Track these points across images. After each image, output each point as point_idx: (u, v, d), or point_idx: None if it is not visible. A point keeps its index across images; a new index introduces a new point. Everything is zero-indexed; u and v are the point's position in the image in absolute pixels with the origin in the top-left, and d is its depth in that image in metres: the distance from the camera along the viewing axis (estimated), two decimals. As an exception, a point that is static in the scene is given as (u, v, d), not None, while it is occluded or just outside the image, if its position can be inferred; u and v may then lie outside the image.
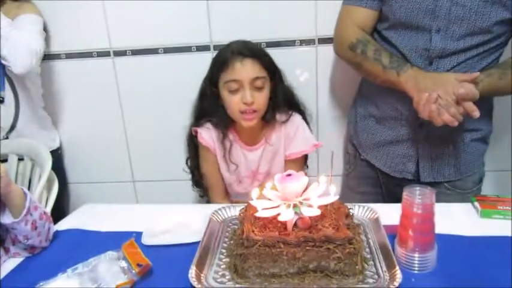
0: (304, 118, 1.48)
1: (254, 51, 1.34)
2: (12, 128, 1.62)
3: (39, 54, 1.55)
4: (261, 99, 1.34)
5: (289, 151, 1.43)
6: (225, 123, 1.40)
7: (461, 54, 1.21)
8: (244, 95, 1.31)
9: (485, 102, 1.14)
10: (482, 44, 1.20)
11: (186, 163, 1.54)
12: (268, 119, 1.40)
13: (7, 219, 0.97)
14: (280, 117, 1.41)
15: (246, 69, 1.31)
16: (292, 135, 1.43)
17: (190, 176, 1.54)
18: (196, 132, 1.43)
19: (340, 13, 1.35)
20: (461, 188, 1.36)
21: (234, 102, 1.33)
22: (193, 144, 1.49)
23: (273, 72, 1.38)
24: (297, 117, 1.44)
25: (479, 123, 1.28)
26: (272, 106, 1.39)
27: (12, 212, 0.98)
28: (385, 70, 1.21)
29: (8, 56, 1.48)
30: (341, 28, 1.34)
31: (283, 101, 1.42)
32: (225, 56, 1.33)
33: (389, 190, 1.42)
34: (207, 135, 1.42)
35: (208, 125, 1.42)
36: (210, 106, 1.41)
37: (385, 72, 1.22)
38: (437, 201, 1.31)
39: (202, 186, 1.52)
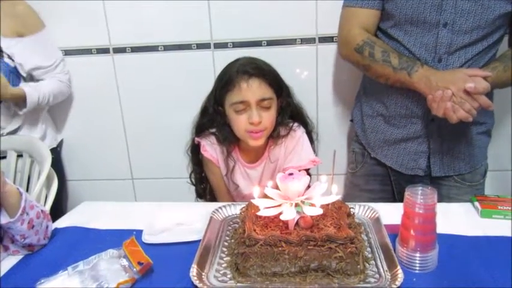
0: (310, 135, 1.45)
1: (260, 70, 1.30)
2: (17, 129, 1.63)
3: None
4: (268, 118, 1.30)
5: (287, 165, 1.38)
6: (229, 141, 1.37)
7: (469, 49, 1.22)
8: (251, 115, 1.27)
9: (487, 95, 1.15)
10: (486, 37, 1.22)
11: (190, 177, 1.51)
12: (273, 137, 1.37)
13: (2, 219, 0.96)
14: (281, 131, 1.38)
15: (252, 90, 1.27)
16: (291, 149, 1.39)
17: (191, 182, 1.52)
18: (199, 143, 1.41)
19: (342, 16, 1.35)
20: (470, 180, 1.38)
21: (240, 122, 1.30)
22: (196, 157, 1.46)
23: (280, 90, 1.35)
24: (298, 132, 1.39)
25: (485, 116, 1.31)
26: (279, 123, 1.36)
27: (7, 212, 0.97)
28: (396, 72, 1.21)
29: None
30: (345, 31, 1.33)
31: (290, 117, 1.39)
32: (231, 76, 1.29)
33: (400, 187, 1.42)
34: (211, 148, 1.40)
35: (212, 139, 1.40)
36: (213, 123, 1.38)
37: (395, 74, 1.22)
38: (448, 194, 1.36)
39: (206, 198, 1.51)
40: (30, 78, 1.64)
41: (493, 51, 1.27)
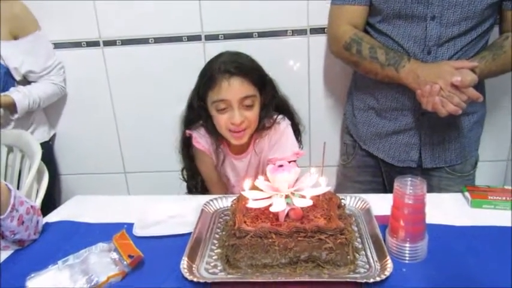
0: (295, 127, 1.43)
1: (242, 68, 1.26)
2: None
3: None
4: (250, 117, 1.28)
5: (271, 157, 1.37)
6: (215, 134, 1.35)
7: (457, 41, 1.22)
8: (233, 115, 1.25)
9: (478, 84, 1.16)
10: (475, 28, 1.22)
11: (182, 172, 1.50)
12: (258, 129, 1.35)
13: None
14: (266, 123, 1.36)
15: (233, 89, 1.24)
16: (275, 141, 1.38)
17: (182, 178, 1.51)
18: (191, 135, 1.40)
19: (330, 13, 1.36)
20: (461, 171, 1.39)
21: (222, 121, 1.28)
22: (187, 151, 1.44)
23: (263, 87, 1.32)
24: (282, 124, 1.38)
25: (475, 105, 1.30)
26: (263, 117, 1.34)
27: None
28: (384, 68, 1.22)
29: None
30: (333, 28, 1.33)
31: (275, 109, 1.37)
32: (212, 73, 1.26)
33: (391, 178, 1.43)
34: (202, 140, 1.39)
35: (202, 131, 1.39)
36: (199, 117, 1.37)
37: (383, 70, 1.23)
38: (439, 185, 1.37)
39: (198, 192, 1.49)
40: (24, 79, 1.63)
41: (483, 41, 1.27)
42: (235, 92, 1.25)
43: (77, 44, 1.71)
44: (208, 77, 1.27)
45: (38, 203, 1.34)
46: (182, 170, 1.50)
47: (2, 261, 0.98)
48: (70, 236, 1.07)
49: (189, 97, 1.38)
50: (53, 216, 1.19)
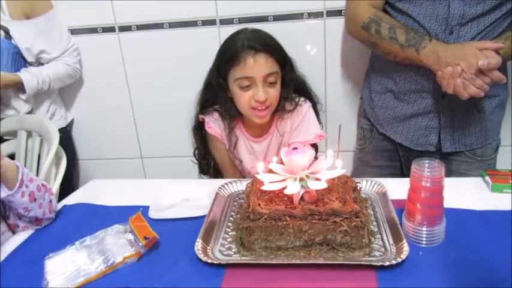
0: (315, 108, 1.42)
1: (266, 45, 1.26)
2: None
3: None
4: (273, 94, 1.28)
5: (293, 140, 1.37)
6: (231, 115, 1.35)
7: (481, 20, 1.18)
8: (257, 92, 1.25)
9: (501, 66, 1.11)
10: (499, 7, 1.17)
11: (194, 154, 1.50)
12: (279, 110, 1.35)
13: (2, 192, 0.96)
14: (288, 105, 1.36)
15: (259, 65, 1.24)
16: (297, 124, 1.37)
17: (195, 158, 1.52)
18: (204, 120, 1.40)
19: None
20: (481, 155, 1.36)
21: (245, 99, 1.27)
22: (200, 133, 1.45)
23: (284, 64, 1.32)
24: (304, 106, 1.38)
25: (498, 88, 1.27)
26: (283, 96, 1.33)
27: (7, 186, 0.97)
28: (403, 49, 1.19)
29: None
30: (351, 8, 1.31)
31: (293, 90, 1.37)
32: (236, 50, 1.25)
33: (409, 162, 1.40)
34: (215, 125, 1.39)
35: (216, 116, 1.39)
36: (216, 98, 1.36)
37: (403, 51, 1.19)
38: (459, 170, 1.35)
39: (210, 174, 1.50)
40: (37, 61, 1.64)
41: (507, 21, 1.22)
42: (260, 69, 1.24)
43: (92, 30, 1.71)
44: (231, 54, 1.26)
45: (56, 186, 1.36)
46: (194, 151, 1.50)
47: (22, 241, 1.00)
48: (87, 218, 1.09)
49: (206, 76, 1.37)
50: (71, 199, 1.21)
